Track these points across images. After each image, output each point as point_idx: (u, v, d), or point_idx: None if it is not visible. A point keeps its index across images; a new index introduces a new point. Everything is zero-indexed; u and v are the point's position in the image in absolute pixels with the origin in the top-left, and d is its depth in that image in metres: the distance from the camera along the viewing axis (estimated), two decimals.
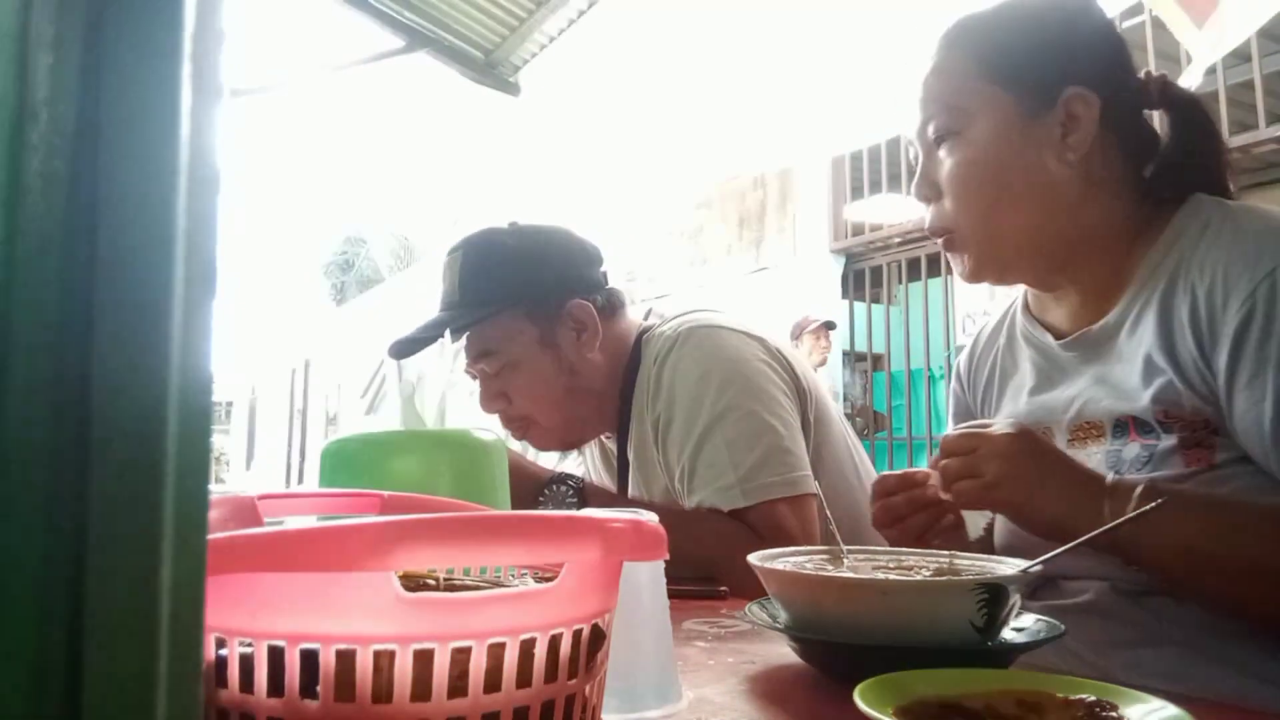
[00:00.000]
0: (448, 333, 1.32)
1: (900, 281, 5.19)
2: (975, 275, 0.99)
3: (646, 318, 1.45)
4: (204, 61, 0.21)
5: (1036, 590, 0.96)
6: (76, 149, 0.19)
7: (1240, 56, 3.50)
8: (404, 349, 1.33)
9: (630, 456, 1.36)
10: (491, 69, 3.42)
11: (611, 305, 1.39)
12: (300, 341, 15.37)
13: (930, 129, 0.96)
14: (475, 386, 1.39)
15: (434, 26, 3.32)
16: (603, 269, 1.41)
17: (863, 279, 5.48)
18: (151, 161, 0.20)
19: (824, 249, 5.59)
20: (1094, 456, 0.90)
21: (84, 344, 0.19)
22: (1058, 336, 1.00)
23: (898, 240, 5.20)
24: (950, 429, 0.93)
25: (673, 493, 1.26)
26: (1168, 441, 0.84)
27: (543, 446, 1.43)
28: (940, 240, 0.99)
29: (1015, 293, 1.12)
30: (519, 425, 1.38)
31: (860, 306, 5.46)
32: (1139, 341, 0.88)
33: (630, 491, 1.37)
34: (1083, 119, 0.92)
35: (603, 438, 1.48)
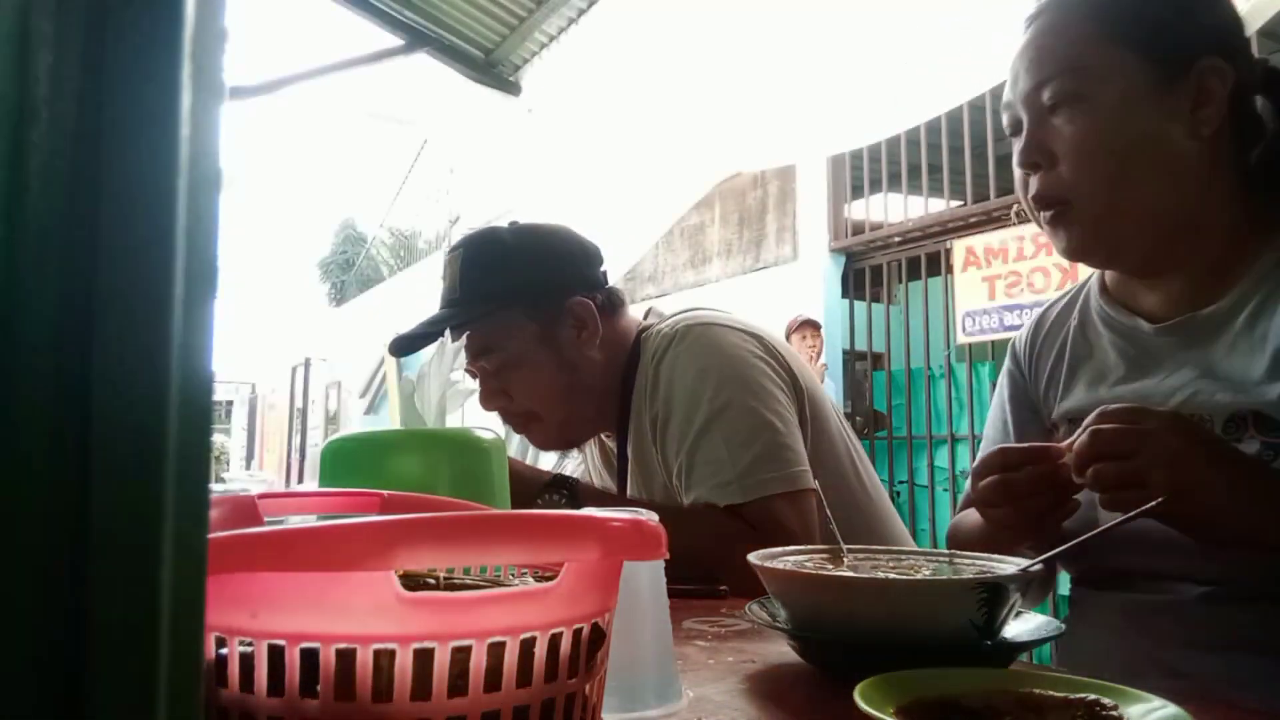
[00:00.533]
0: (448, 330, 1.33)
1: (900, 281, 5.19)
2: (1082, 251, 0.93)
3: (646, 317, 1.46)
4: (204, 61, 0.21)
5: (1119, 585, 0.91)
6: (77, 149, 0.19)
7: None
8: (404, 346, 1.34)
9: (629, 454, 1.36)
10: (491, 68, 3.42)
11: (611, 303, 1.39)
12: (300, 341, 15.37)
13: (1046, 92, 0.89)
14: (476, 385, 1.40)
15: (434, 26, 3.33)
16: (602, 268, 1.41)
17: (863, 278, 5.48)
18: (151, 161, 0.20)
19: (824, 248, 5.58)
20: None
21: (84, 344, 0.19)
22: (1150, 321, 0.94)
23: (898, 239, 5.20)
24: (1089, 424, 0.77)
25: (671, 490, 1.26)
26: None
27: (543, 445, 1.43)
28: (1047, 213, 0.92)
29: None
30: (520, 421, 1.38)
31: (860, 306, 5.46)
32: (1264, 333, 0.83)
33: (629, 490, 1.37)
34: (1215, 93, 0.87)
35: (603, 437, 1.48)
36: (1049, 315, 1.10)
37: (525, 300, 1.32)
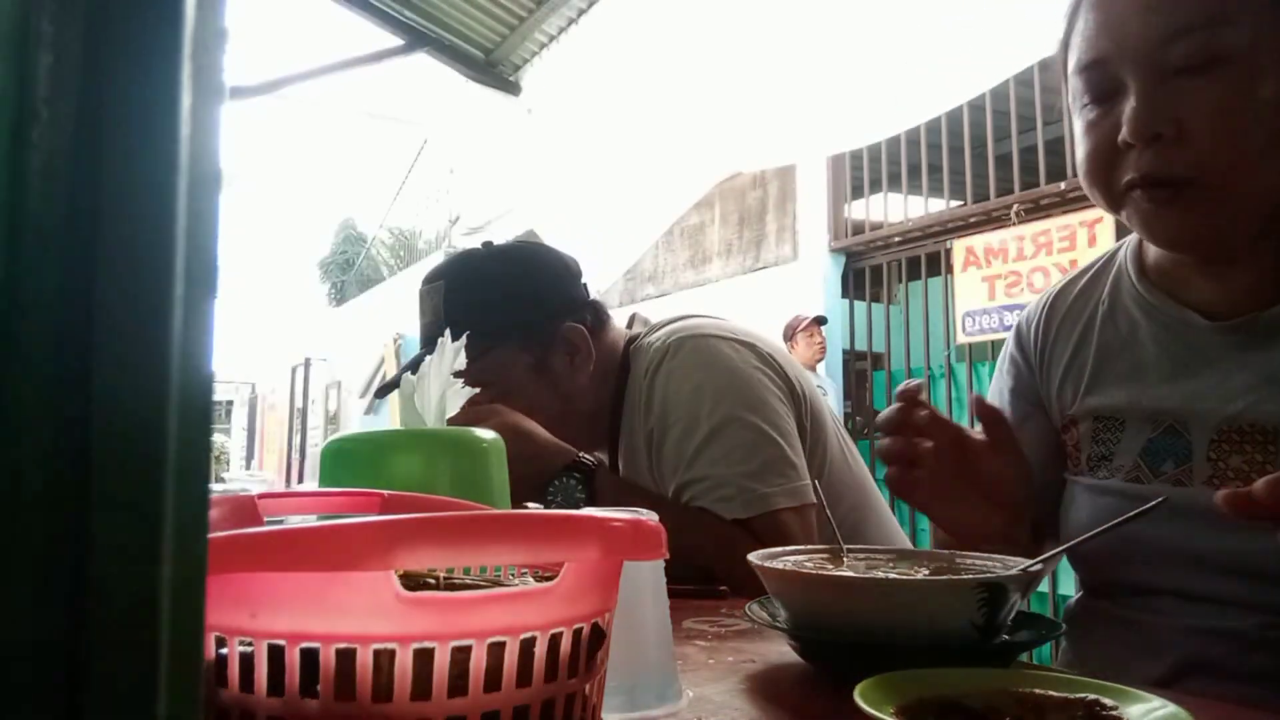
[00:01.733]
0: (447, 330, 1.32)
1: (900, 281, 5.19)
2: (1192, 240, 0.80)
3: (631, 325, 1.44)
4: (204, 61, 0.21)
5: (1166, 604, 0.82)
6: (76, 149, 0.19)
7: None
8: (388, 392, 1.33)
9: (620, 469, 1.35)
10: (491, 68, 3.42)
11: (599, 320, 1.38)
12: (300, 341, 15.38)
13: (1179, 48, 0.74)
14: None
15: (434, 26, 3.33)
16: (583, 281, 1.40)
17: (863, 278, 5.48)
18: (151, 161, 0.20)
19: (824, 249, 5.58)
20: (1240, 465, 0.78)
21: (84, 344, 0.19)
22: (1204, 315, 0.84)
23: (898, 240, 5.20)
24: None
25: None
26: None
27: None
28: (1157, 192, 0.77)
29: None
30: None
31: (860, 306, 5.46)
32: None
33: None
34: None
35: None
36: (1067, 295, 0.98)
37: (518, 333, 1.31)
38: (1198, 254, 0.84)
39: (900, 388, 0.85)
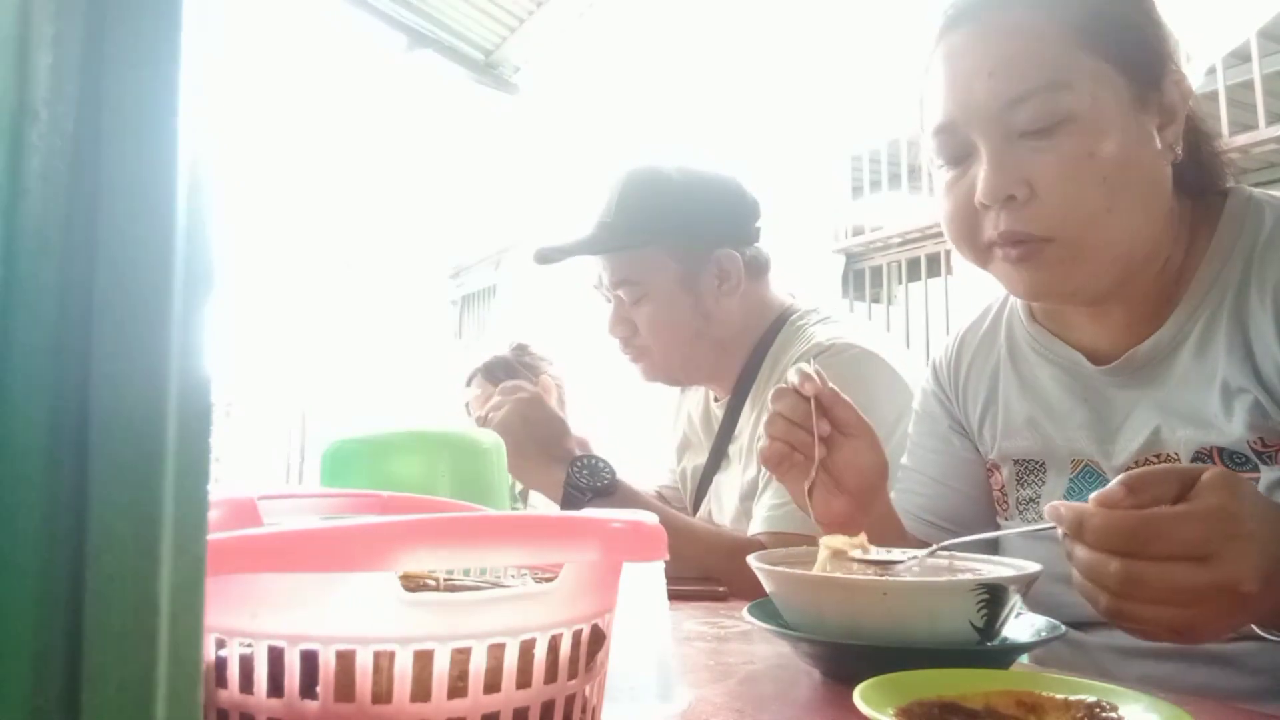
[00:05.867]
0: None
1: (900, 281, 5.19)
2: (1049, 292, 0.82)
3: (792, 298, 1.46)
4: (204, 62, 0.21)
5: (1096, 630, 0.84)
6: (76, 149, 0.19)
7: (1240, 56, 3.50)
8: (549, 257, 1.36)
9: (738, 424, 1.36)
10: (491, 68, 3.43)
11: (758, 264, 1.40)
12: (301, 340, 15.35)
13: (1023, 111, 0.76)
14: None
15: (434, 26, 3.33)
16: (757, 225, 1.41)
17: (863, 279, 5.47)
18: (151, 161, 0.20)
19: (824, 249, 5.58)
20: None
21: (84, 344, 0.19)
22: (1090, 358, 0.87)
23: (898, 240, 5.20)
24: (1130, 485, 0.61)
25: (754, 480, 1.26)
26: (1272, 474, 0.74)
27: (649, 378, 1.43)
28: (1013, 250, 0.79)
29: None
30: (637, 352, 1.39)
31: (860, 306, 5.46)
32: (1213, 362, 0.78)
33: (723, 459, 1.38)
34: (1178, 109, 0.79)
35: (711, 398, 1.47)
36: (970, 340, 1.02)
37: (675, 242, 1.33)
38: (1062, 304, 0.87)
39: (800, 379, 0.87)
